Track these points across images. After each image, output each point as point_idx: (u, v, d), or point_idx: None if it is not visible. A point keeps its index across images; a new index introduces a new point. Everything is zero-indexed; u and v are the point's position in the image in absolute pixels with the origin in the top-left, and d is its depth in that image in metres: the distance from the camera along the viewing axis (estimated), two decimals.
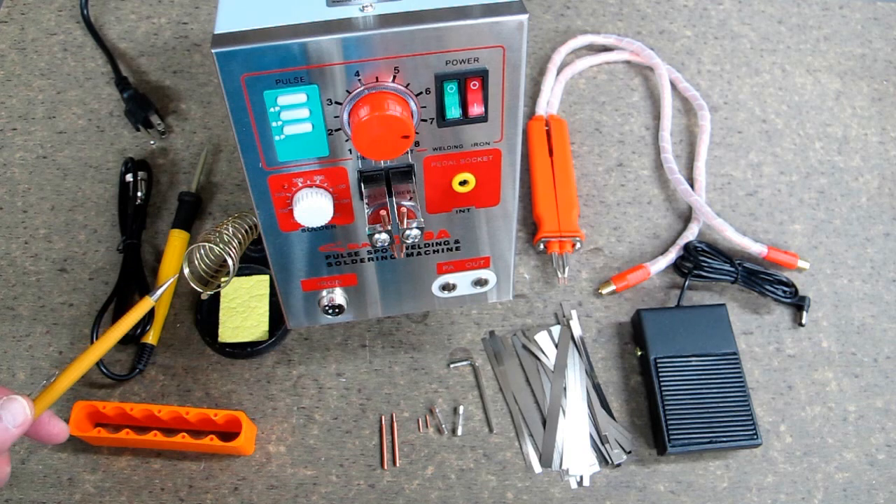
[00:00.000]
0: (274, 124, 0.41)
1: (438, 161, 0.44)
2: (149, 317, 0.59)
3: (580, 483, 0.57)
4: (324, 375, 0.59)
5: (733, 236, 0.64)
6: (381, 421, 0.58)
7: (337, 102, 0.40)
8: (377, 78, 0.40)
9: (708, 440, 0.56)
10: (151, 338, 0.59)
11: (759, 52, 0.76)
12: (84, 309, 0.61)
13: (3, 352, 0.59)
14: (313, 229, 0.47)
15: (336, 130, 0.42)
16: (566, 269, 0.63)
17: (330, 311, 0.51)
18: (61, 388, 0.44)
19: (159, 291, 0.48)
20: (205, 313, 0.59)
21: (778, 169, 0.70)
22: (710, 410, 0.57)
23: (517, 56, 0.40)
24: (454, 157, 0.44)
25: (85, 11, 0.71)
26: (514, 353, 0.61)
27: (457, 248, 0.50)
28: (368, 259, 0.49)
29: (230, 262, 0.52)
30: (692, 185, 0.68)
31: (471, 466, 0.57)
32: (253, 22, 0.39)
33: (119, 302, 0.60)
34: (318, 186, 0.44)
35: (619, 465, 0.57)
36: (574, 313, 0.63)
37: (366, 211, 0.45)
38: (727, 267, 0.63)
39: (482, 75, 0.40)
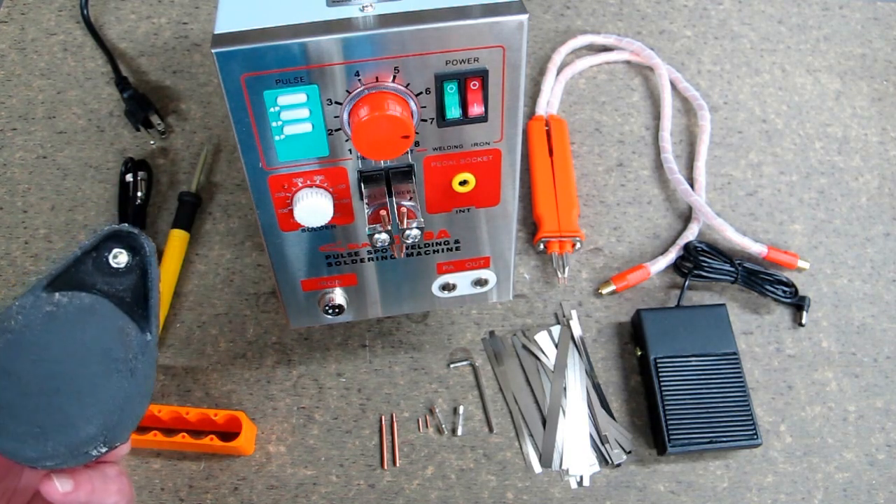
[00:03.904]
0: (274, 124, 0.41)
1: (438, 161, 0.44)
2: None
3: (580, 483, 0.56)
4: (324, 375, 0.59)
5: (733, 236, 0.64)
6: (381, 421, 0.58)
7: (337, 102, 0.40)
8: (377, 78, 0.40)
9: (708, 440, 0.56)
10: None
11: (759, 52, 0.76)
12: None
13: None
14: (313, 229, 0.47)
15: (336, 130, 0.42)
16: (566, 269, 0.63)
17: (330, 311, 0.51)
18: None
19: None
20: None
21: (778, 169, 0.70)
22: (710, 410, 0.57)
23: (517, 56, 0.40)
24: (454, 157, 0.44)
25: (85, 11, 0.71)
26: (514, 353, 0.61)
27: (457, 248, 0.50)
28: (368, 259, 0.49)
29: None
30: (692, 185, 0.68)
31: (471, 466, 0.57)
32: (253, 22, 0.39)
33: None
34: (318, 186, 0.44)
35: (619, 465, 0.57)
36: (574, 313, 0.63)
37: (366, 211, 0.45)
38: (727, 267, 0.63)
39: (482, 75, 0.40)
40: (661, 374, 0.58)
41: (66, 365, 0.35)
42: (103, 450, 0.36)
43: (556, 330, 0.62)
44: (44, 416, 0.35)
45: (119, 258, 0.37)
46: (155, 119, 0.67)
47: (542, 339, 0.61)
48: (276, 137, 0.41)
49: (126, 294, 0.37)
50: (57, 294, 0.35)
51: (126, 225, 0.38)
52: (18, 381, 0.34)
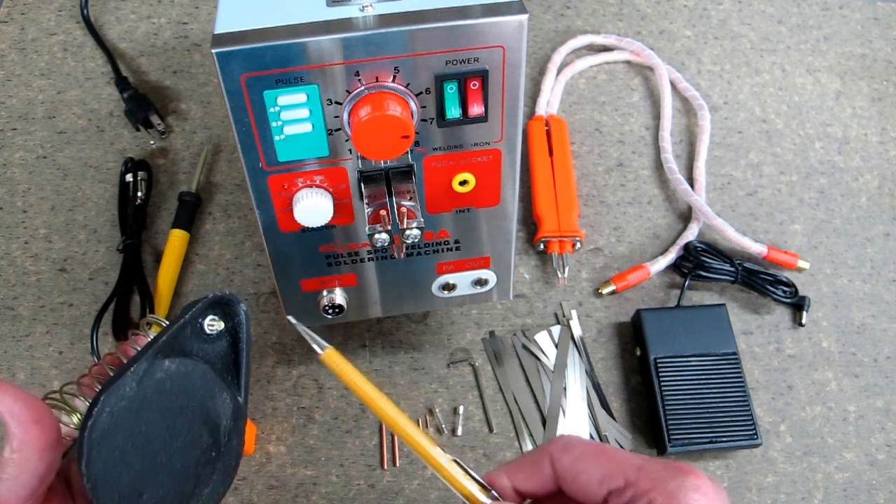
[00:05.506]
0: (274, 124, 0.41)
1: (438, 161, 0.44)
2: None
3: None
4: (324, 375, 0.59)
5: (733, 236, 0.64)
6: (381, 421, 0.58)
7: (337, 102, 0.40)
8: (377, 78, 0.40)
9: (708, 440, 0.56)
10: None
11: (759, 52, 0.76)
12: (84, 309, 0.61)
13: (3, 352, 0.59)
14: (313, 229, 0.46)
15: (336, 130, 0.42)
16: (566, 269, 0.63)
17: (330, 311, 0.51)
18: None
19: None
20: None
21: (778, 169, 0.70)
22: (710, 410, 0.57)
23: (517, 56, 0.40)
24: (454, 157, 0.44)
25: (85, 11, 0.71)
26: (514, 353, 0.61)
27: (457, 248, 0.50)
28: (368, 259, 0.49)
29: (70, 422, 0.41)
30: (692, 185, 0.68)
31: (471, 466, 0.57)
32: (253, 22, 0.39)
33: (119, 302, 0.60)
34: (318, 186, 0.44)
35: None
36: (574, 313, 0.63)
37: (366, 211, 0.45)
38: (727, 267, 0.63)
39: (482, 75, 0.40)
40: (661, 374, 0.58)
41: (176, 429, 0.35)
42: None
43: (556, 330, 0.62)
44: (154, 482, 0.34)
45: (214, 325, 0.37)
46: (155, 119, 0.67)
47: (542, 339, 0.61)
48: (276, 137, 0.41)
49: (217, 360, 0.37)
50: (166, 361, 0.35)
51: (227, 291, 0.37)
52: (134, 445, 0.33)
